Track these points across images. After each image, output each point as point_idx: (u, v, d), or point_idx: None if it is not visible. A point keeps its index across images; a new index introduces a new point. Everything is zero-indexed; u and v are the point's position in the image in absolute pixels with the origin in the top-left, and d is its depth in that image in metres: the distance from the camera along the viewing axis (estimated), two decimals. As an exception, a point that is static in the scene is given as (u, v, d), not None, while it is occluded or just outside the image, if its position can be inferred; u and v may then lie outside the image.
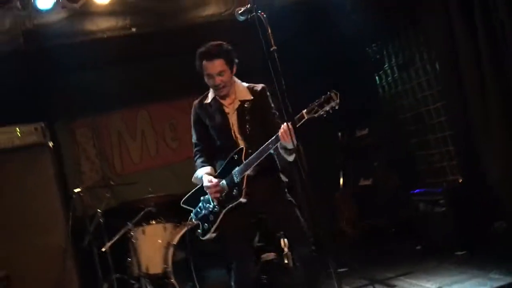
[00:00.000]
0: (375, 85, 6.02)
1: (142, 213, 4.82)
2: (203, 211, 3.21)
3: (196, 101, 3.34)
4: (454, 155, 4.94)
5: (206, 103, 3.25)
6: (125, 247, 4.93)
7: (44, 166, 4.24)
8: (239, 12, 2.72)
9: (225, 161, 3.16)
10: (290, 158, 3.11)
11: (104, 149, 6.15)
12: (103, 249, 4.70)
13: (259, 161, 2.99)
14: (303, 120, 2.82)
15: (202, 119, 3.25)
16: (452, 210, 4.23)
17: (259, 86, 3.24)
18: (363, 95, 6.06)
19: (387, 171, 5.65)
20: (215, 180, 3.09)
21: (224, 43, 3.12)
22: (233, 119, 3.19)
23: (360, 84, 6.10)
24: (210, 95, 3.26)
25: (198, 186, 3.28)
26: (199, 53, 3.13)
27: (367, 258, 4.96)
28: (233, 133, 3.18)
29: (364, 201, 5.89)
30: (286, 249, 4.74)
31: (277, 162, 3.27)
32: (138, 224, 4.83)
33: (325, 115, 2.80)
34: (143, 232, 4.77)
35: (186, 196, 3.38)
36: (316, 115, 2.80)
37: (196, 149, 3.34)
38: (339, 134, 6.34)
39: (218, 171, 3.21)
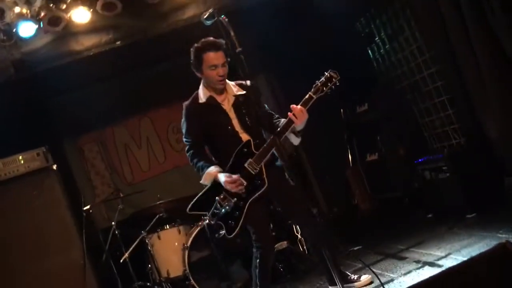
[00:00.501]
0: (369, 59, 5.98)
1: (154, 220, 4.93)
2: (223, 210, 3.16)
3: (187, 102, 3.36)
4: (455, 119, 4.90)
5: (201, 103, 3.28)
6: (144, 255, 5.06)
7: (51, 189, 4.36)
8: (204, 17, 2.77)
9: (233, 158, 3.19)
10: (297, 141, 3.25)
11: (113, 161, 6.28)
12: (122, 260, 4.83)
13: (274, 148, 3.06)
14: (313, 100, 3.12)
15: (197, 119, 3.27)
16: (457, 174, 4.20)
17: (248, 82, 3.30)
18: (358, 70, 6.03)
19: (392, 143, 5.62)
20: (235, 176, 3.11)
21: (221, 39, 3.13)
22: (232, 115, 3.25)
23: (354, 60, 6.06)
24: (203, 94, 3.29)
25: (204, 190, 3.26)
26: (201, 46, 3.15)
27: (380, 231, 4.99)
28: (234, 128, 3.24)
29: (374, 175, 5.90)
30: (299, 236, 4.82)
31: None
32: (153, 230, 4.95)
33: (329, 92, 3.14)
34: (159, 237, 4.89)
35: (192, 202, 3.30)
36: (322, 93, 3.12)
37: (191, 150, 3.32)
38: (341, 112, 6.34)
39: (228, 166, 3.20)
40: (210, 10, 2.73)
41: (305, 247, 4.70)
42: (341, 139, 6.33)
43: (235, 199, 3.15)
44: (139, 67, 5.89)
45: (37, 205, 4.26)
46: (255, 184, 3.14)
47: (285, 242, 4.58)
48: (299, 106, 3.09)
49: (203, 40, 3.17)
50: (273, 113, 3.41)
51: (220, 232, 3.27)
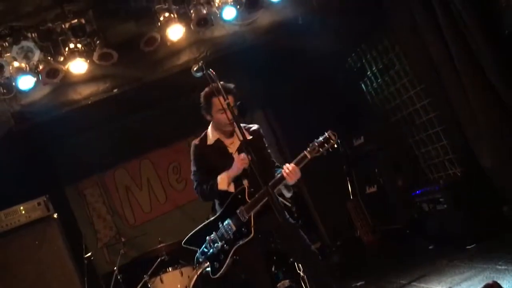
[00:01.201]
0: (363, 93, 6.09)
1: (155, 264, 4.93)
2: (211, 250, 3.28)
3: (196, 141, 3.44)
4: (450, 149, 4.96)
5: (209, 145, 3.37)
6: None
7: (53, 237, 4.39)
8: (194, 69, 2.87)
9: (228, 201, 3.26)
10: (289, 194, 3.35)
11: (114, 204, 6.34)
12: (125, 306, 4.82)
13: (263, 201, 3.11)
14: (307, 160, 3.10)
15: (205, 159, 3.36)
16: (453, 205, 4.24)
17: (254, 126, 3.41)
18: (353, 104, 6.15)
19: (390, 175, 5.67)
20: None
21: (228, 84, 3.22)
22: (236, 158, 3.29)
23: (348, 94, 6.20)
24: (211, 136, 3.38)
25: (201, 226, 3.38)
26: (210, 90, 3.18)
27: (383, 264, 4.99)
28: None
29: (374, 207, 5.92)
30: (301, 273, 4.80)
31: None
32: (155, 274, 4.94)
33: (325, 153, 3.10)
34: (161, 281, 4.87)
35: (188, 236, 3.44)
36: (318, 154, 3.10)
37: (198, 184, 3.37)
38: (339, 145, 6.39)
39: (221, 210, 3.29)
40: (199, 64, 2.85)
41: (308, 286, 4.68)
42: (341, 172, 6.37)
43: (223, 242, 3.22)
44: (137, 111, 6.01)
45: (39, 255, 4.29)
46: (242, 232, 3.20)
47: (287, 281, 4.57)
48: (292, 165, 3.10)
49: (212, 85, 3.19)
50: (274, 161, 3.46)
51: (207, 270, 3.35)
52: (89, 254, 4.39)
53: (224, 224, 3.26)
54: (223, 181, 3.25)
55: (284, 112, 6.65)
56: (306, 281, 4.74)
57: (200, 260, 3.40)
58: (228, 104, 3.00)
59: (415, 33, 4.58)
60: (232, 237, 3.22)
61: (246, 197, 3.22)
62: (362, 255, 5.84)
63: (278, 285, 4.51)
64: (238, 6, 4.51)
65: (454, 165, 4.98)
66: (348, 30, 5.30)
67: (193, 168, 3.44)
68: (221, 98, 3.08)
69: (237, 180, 3.29)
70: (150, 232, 5.66)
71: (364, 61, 5.83)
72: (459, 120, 4.56)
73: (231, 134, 3.35)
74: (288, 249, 3.57)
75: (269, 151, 3.48)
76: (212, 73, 2.83)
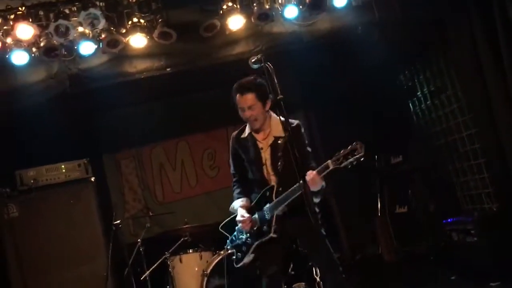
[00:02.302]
0: (408, 112, 6.03)
1: (178, 242, 5.04)
2: (237, 241, 3.38)
3: (234, 134, 3.51)
4: (490, 183, 4.86)
5: (243, 137, 3.41)
6: (164, 276, 5.15)
7: (88, 199, 4.55)
8: (252, 61, 2.92)
9: (258, 196, 3.30)
10: (317, 199, 3.24)
11: (147, 179, 6.48)
12: (142, 278, 4.94)
13: (287, 202, 3.11)
14: (329, 169, 2.96)
15: (239, 152, 3.42)
16: (485, 239, 4.16)
17: (294, 122, 3.30)
18: (397, 121, 6.10)
19: (424, 198, 5.61)
20: (247, 215, 3.24)
21: (258, 77, 3.20)
22: (266, 155, 3.31)
23: (394, 110, 6.15)
24: (247, 129, 3.42)
25: (235, 214, 3.44)
26: (233, 88, 3.30)
27: (400, 286, 4.93)
28: (265, 169, 3.30)
29: (401, 228, 5.86)
30: (318, 279, 4.81)
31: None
32: (176, 253, 5.05)
33: (349, 166, 2.88)
34: (180, 260, 4.98)
35: (225, 221, 3.54)
36: (341, 166, 2.90)
37: (234, 179, 3.52)
38: (376, 159, 6.36)
39: (253, 203, 3.35)
40: (258, 56, 2.89)
41: (322, 292, 4.68)
42: (373, 187, 6.33)
43: (247, 235, 3.29)
44: (184, 93, 6.13)
45: (72, 214, 4.46)
46: (263, 230, 3.23)
47: (303, 283, 4.59)
48: (314, 173, 3.01)
49: (238, 81, 3.27)
50: (311, 161, 3.33)
51: (233, 258, 3.42)
52: (118, 222, 4.51)
53: (252, 217, 3.30)
54: (232, 210, 3.41)
55: (325, 117, 6.63)
56: (321, 286, 4.77)
57: (228, 247, 3.48)
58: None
59: (474, 60, 4.51)
60: (255, 232, 3.26)
61: (273, 196, 3.22)
62: (380, 274, 5.80)
63: (293, 286, 4.53)
64: (300, 6, 4.53)
65: (491, 199, 4.88)
66: (405, 46, 5.25)
67: (230, 160, 3.53)
68: (240, 97, 3.18)
69: (265, 180, 3.29)
70: (176, 212, 5.76)
71: (416, 80, 5.77)
72: (504, 154, 4.47)
73: (259, 131, 3.33)
74: (312, 256, 3.57)
75: (308, 149, 3.37)
76: (270, 67, 2.84)
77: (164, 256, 5.03)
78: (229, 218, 3.51)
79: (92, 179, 4.58)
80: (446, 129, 5.38)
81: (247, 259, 3.31)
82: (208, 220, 5.62)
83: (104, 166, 6.27)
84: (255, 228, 3.25)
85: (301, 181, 2.81)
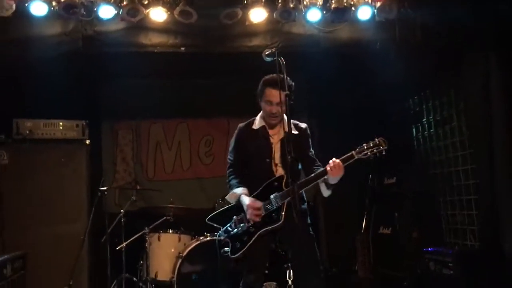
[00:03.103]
0: (411, 136, 6.03)
1: (160, 220, 5.05)
2: (235, 230, 3.32)
3: (242, 124, 3.54)
4: (476, 221, 4.87)
5: (253, 129, 3.45)
6: (140, 251, 5.17)
7: (79, 161, 4.56)
8: (266, 54, 2.93)
9: (263, 187, 3.31)
10: (327, 193, 3.32)
11: (141, 153, 6.48)
12: (118, 248, 4.95)
13: (302, 189, 3.17)
14: (353, 159, 3.15)
15: (244, 144, 3.45)
16: (460, 274, 4.16)
17: (303, 125, 3.48)
18: (397, 143, 6.06)
19: (409, 224, 5.60)
20: (259, 203, 3.24)
21: (289, 78, 3.22)
22: (276, 147, 3.38)
23: (396, 132, 6.12)
24: (258, 122, 3.46)
25: (230, 206, 3.43)
26: (267, 79, 3.33)
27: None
28: (273, 161, 3.36)
29: (381, 248, 5.86)
30: (290, 282, 4.82)
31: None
32: (156, 230, 5.07)
33: (372, 158, 3.16)
34: (159, 238, 5.00)
35: (214, 213, 3.55)
36: (365, 157, 3.15)
37: (231, 169, 3.52)
38: (369, 177, 6.36)
39: (255, 193, 3.33)
40: (273, 49, 2.90)
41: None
42: (361, 203, 6.32)
43: (249, 224, 3.26)
44: (193, 76, 6.13)
45: (61, 172, 4.46)
46: (272, 217, 3.23)
47: (275, 283, 4.60)
48: (338, 160, 3.14)
49: (273, 75, 3.26)
50: (316, 159, 3.47)
51: (225, 249, 3.39)
52: (105, 188, 4.52)
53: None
54: (234, 196, 3.36)
55: (327, 127, 6.62)
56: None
57: (222, 238, 3.43)
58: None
59: (484, 99, 4.51)
60: (261, 221, 3.24)
61: (283, 185, 3.24)
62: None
63: (264, 284, 4.54)
64: (324, 11, 4.53)
65: (474, 237, 4.89)
66: (419, 71, 5.25)
67: (230, 147, 3.55)
68: (274, 91, 3.19)
69: (271, 172, 3.33)
70: (164, 191, 5.76)
71: (424, 107, 5.77)
72: (495, 195, 4.48)
73: (274, 126, 3.41)
74: (296, 257, 3.45)
75: (312, 151, 3.50)
76: (283, 62, 2.87)
77: (143, 231, 5.06)
78: (220, 210, 3.53)
79: (87, 141, 4.59)
80: (445, 160, 5.39)
81: (247, 248, 3.26)
82: (194, 205, 5.64)
83: (102, 132, 6.26)
84: (261, 217, 3.24)
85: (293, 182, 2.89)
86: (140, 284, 5.05)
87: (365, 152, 3.14)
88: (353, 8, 4.54)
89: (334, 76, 5.67)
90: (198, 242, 4.83)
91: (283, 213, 3.20)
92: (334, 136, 6.39)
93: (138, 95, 6.19)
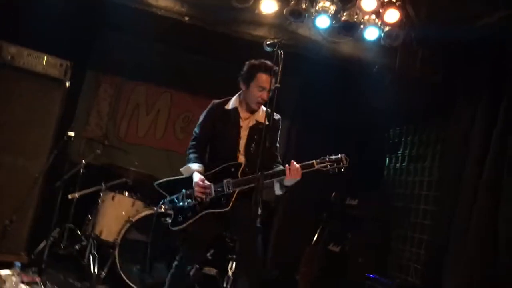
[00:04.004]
0: (383, 165, 6.11)
1: (118, 180, 4.99)
2: (181, 203, 3.28)
3: (216, 101, 3.50)
4: (422, 261, 4.96)
5: (226, 109, 3.41)
6: (91, 205, 5.10)
7: (54, 100, 4.44)
8: (267, 43, 2.92)
9: (219, 168, 3.29)
10: (279, 192, 3.32)
11: (117, 111, 6.39)
12: (70, 196, 4.87)
13: (251, 185, 3.11)
14: (312, 168, 3.17)
15: (214, 121, 3.40)
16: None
17: (276, 116, 3.39)
18: (369, 168, 6.15)
19: (359, 248, 5.67)
20: (208, 183, 3.21)
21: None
22: (243, 134, 3.35)
23: (371, 157, 6.20)
24: (232, 103, 3.42)
25: (183, 177, 3.37)
26: (259, 64, 3.29)
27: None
28: (237, 147, 3.33)
29: (327, 264, 5.92)
30: (230, 273, 4.82)
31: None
32: (112, 189, 5.00)
33: (330, 172, 3.18)
34: (113, 198, 4.93)
35: (165, 180, 3.46)
36: (324, 169, 3.17)
37: (194, 143, 3.48)
38: (333, 194, 6.41)
39: (210, 172, 3.31)
40: (275, 40, 2.89)
41: (228, 286, 4.69)
42: (319, 218, 6.37)
43: (197, 202, 3.23)
44: (190, 50, 6.08)
45: (33, 107, 4.34)
46: (220, 202, 3.21)
47: (216, 270, 4.60)
48: (297, 165, 3.15)
49: (262, 60, 3.28)
50: (278, 156, 3.48)
51: (166, 220, 3.35)
52: (72, 134, 4.43)
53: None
54: (188, 170, 3.32)
55: (306, 135, 6.64)
56: (230, 283, 4.78)
57: (165, 206, 3.42)
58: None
59: (463, 146, 4.56)
60: (208, 202, 3.22)
61: (239, 173, 3.23)
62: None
63: (205, 268, 4.53)
64: (333, 21, 4.55)
65: (417, 275, 4.98)
66: (409, 103, 5.32)
67: (198, 121, 3.51)
68: (267, 77, 3.20)
69: (233, 157, 3.31)
70: (130, 154, 5.69)
71: (403, 139, 5.85)
72: (447, 241, 4.55)
73: (252, 111, 3.38)
74: (240, 247, 3.40)
75: (277, 145, 3.49)
76: (282, 55, 2.86)
77: (99, 187, 4.98)
78: (171, 179, 3.43)
79: (67, 83, 4.47)
80: (409, 195, 5.47)
81: (188, 224, 3.24)
82: (156, 175, 5.56)
83: (84, 80, 6.15)
84: (208, 198, 3.21)
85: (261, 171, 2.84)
86: (82, 238, 4.98)
87: (326, 164, 3.17)
88: (361, 26, 4.58)
89: (325, 87, 5.68)
90: (151, 211, 4.78)
91: (232, 200, 3.18)
92: (311, 144, 6.41)
93: (131, 53, 6.10)
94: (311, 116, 6.39)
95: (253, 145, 3.31)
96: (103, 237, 4.79)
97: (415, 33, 4.56)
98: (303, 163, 3.19)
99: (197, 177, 3.23)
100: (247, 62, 3.39)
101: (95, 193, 5.01)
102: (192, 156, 3.40)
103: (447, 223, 4.59)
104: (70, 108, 5.22)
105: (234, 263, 4.72)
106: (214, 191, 3.22)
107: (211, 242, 3.63)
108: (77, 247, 4.91)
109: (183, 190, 3.29)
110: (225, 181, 3.21)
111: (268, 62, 3.23)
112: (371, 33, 4.58)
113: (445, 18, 4.48)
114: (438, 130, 5.25)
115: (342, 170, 3.18)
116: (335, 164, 3.17)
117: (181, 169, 3.41)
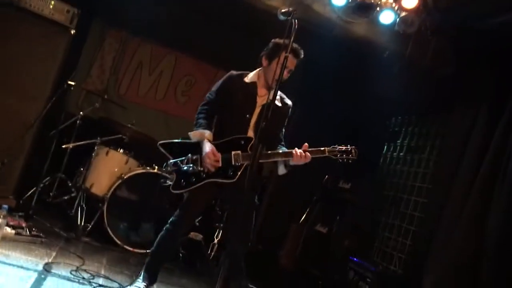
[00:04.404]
0: (381, 152, 6.09)
1: (115, 136, 4.95)
2: (185, 168, 3.20)
3: (234, 72, 3.41)
4: (407, 251, 4.99)
5: (245, 81, 3.33)
6: (84, 158, 5.07)
7: (57, 47, 4.34)
8: (281, 11, 2.83)
9: (228, 139, 3.21)
10: (283, 171, 3.29)
11: (120, 67, 6.30)
12: (64, 146, 4.84)
13: (263, 160, 3.09)
14: (322, 155, 3.19)
15: (232, 91, 3.31)
16: (374, 292, 4.28)
17: (289, 101, 3.45)
18: (367, 154, 6.12)
19: (345, 230, 5.69)
20: (218, 155, 3.15)
21: None
22: (256, 111, 3.28)
23: (369, 143, 6.17)
24: (252, 76, 3.35)
25: (192, 142, 3.27)
26: (289, 45, 3.02)
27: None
28: (248, 121, 3.26)
29: (311, 244, 5.94)
30: (216, 241, 4.85)
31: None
32: (107, 144, 4.96)
33: (339, 161, 3.22)
34: (107, 153, 4.89)
35: (170, 141, 3.35)
36: (333, 157, 3.20)
37: (206, 107, 3.37)
38: (326, 177, 6.40)
39: (219, 142, 3.23)
40: (290, 9, 2.80)
41: (212, 253, 4.73)
42: (309, 198, 6.37)
43: (202, 169, 3.18)
44: (201, 13, 5.95)
45: (36, 50, 4.24)
46: (227, 173, 3.17)
47: (202, 236, 4.61)
48: (309, 154, 3.12)
49: (292, 42, 3.09)
50: (282, 140, 3.41)
51: (167, 182, 3.32)
52: (73, 83, 4.35)
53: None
54: (199, 135, 3.23)
55: (307, 115, 6.60)
56: (214, 249, 4.82)
57: (169, 169, 3.34)
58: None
59: (463, 143, 4.53)
60: (214, 171, 3.17)
61: (248, 147, 3.17)
62: (266, 272, 5.88)
63: (191, 233, 4.54)
64: (350, 0, 4.46)
65: (400, 264, 5.02)
66: (414, 94, 5.27)
67: (213, 88, 3.41)
68: (294, 60, 3.22)
69: (244, 131, 3.26)
70: (129, 111, 5.63)
71: (403, 129, 5.82)
72: (434, 235, 4.57)
73: (268, 89, 3.29)
74: (234, 218, 3.41)
75: (283, 131, 3.44)
76: (296, 25, 2.73)
77: (95, 140, 4.94)
78: (177, 141, 3.34)
79: (72, 31, 4.37)
80: (401, 185, 5.47)
81: (190, 190, 3.20)
82: (153, 136, 5.51)
83: (90, 30, 6.03)
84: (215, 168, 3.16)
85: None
86: (72, 189, 4.97)
87: (336, 153, 3.20)
88: (377, 9, 4.49)
89: (331, 67, 5.61)
90: (144, 171, 4.76)
91: (239, 173, 3.14)
92: (311, 125, 6.38)
93: (141, 10, 5.94)
94: (314, 96, 6.33)
95: (264, 123, 3.21)
96: (93, 190, 4.78)
97: (430, 22, 4.47)
98: (315, 149, 3.17)
99: (208, 147, 3.16)
100: (274, 40, 3.31)
101: (89, 146, 4.98)
102: (202, 121, 3.30)
103: (436, 217, 4.60)
104: (73, 57, 5.11)
105: (220, 231, 4.80)
106: (223, 162, 3.17)
107: (206, 208, 3.61)
108: (66, 197, 4.92)
109: (189, 154, 3.21)
110: (233, 153, 3.16)
111: (297, 45, 3.24)
112: (386, 17, 4.49)
113: (463, 11, 4.40)
114: (439, 125, 5.22)
115: (350, 161, 3.22)
116: (344, 155, 3.20)
117: (189, 133, 3.30)
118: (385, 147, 6.04)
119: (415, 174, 5.33)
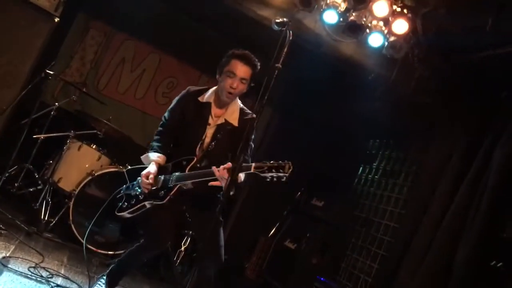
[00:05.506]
0: (356, 172, 6.09)
1: (89, 131, 4.81)
2: (131, 191, 3.19)
3: (192, 89, 3.27)
4: (373, 274, 4.97)
5: (199, 101, 3.18)
6: (55, 150, 4.91)
7: (38, 33, 4.20)
8: (276, 21, 2.77)
9: (177, 161, 3.12)
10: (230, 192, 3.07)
11: (102, 61, 6.16)
12: (35, 137, 4.67)
13: (193, 180, 2.95)
14: (248, 172, 2.73)
15: (184, 110, 3.18)
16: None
17: (251, 115, 3.20)
18: (340, 173, 6.14)
19: (314, 249, 5.65)
20: (151, 179, 3.04)
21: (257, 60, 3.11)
22: (209, 132, 3.15)
23: (345, 162, 6.19)
24: (207, 96, 3.19)
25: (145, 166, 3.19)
26: (236, 52, 3.09)
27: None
28: (198, 142, 3.13)
29: (278, 259, 5.89)
30: (182, 248, 4.75)
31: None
32: (80, 138, 4.82)
33: (268, 180, 2.67)
34: (79, 148, 4.75)
35: (133, 167, 3.34)
36: (262, 175, 2.68)
37: (161, 129, 3.27)
38: (299, 193, 6.37)
39: (168, 164, 3.15)
40: (285, 19, 2.75)
41: (178, 260, 4.63)
42: (280, 212, 6.33)
43: (141, 191, 3.12)
44: (190, 15, 5.88)
45: (17, 36, 4.10)
46: (159, 193, 3.07)
47: (169, 242, 4.49)
48: (223, 171, 2.79)
49: (242, 49, 3.10)
50: (247, 151, 3.14)
51: (119, 204, 3.23)
52: (51, 72, 4.21)
53: (158, 177, 3.10)
54: (146, 160, 3.17)
55: (286, 126, 6.60)
56: (180, 256, 4.71)
57: (121, 191, 3.28)
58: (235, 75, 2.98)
59: (438, 172, 4.57)
60: (152, 192, 3.07)
61: (187, 168, 3.05)
62: (232, 283, 5.81)
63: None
64: (341, 19, 4.46)
65: (366, 287, 5.00)
66: (394, 118, 5.29)
67: (170, 107, 3.27)
68: (241, 65, 3.01)
69: (192, 151, 3.14)
70: (106, 106, 5.49)
71: (380, 152, 5.84)
72: (402, 261, 4.57)
73: (223, 106, 3.16)
74: (200, 236, 3.38)
75: (251, 143, 3.15)
76: (290, 36, 2.63)
77: (68, 133, 4.79)
78: (138, 166, 3.25)
79: (56, 20, 4.24)
80: (374, 208, 5.47)
81: (128, 214, 3.13)
82: (129, 134, 5.38)
83: (74, 20, 5.88)
84: (153, 188, 3.06)
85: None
86: (39, 181, 4.80)
87: (264, 170, 2.66)
88: (367, 31, 4.50)
89: (315, 83, 5.62)
90: (116, 169, 4.63)
91: (170, 194, 3.00)
92: (289, 137, 6.37)
93: (130, 6, 5.84)
94: (295, 109, 6.33)
95: (213, 143, 3.11)
96: (61, 185, 4.62)
97: (418, 50, 4.51)
98: (238, 165, 2.58)
99: (146, 169, 3.08)
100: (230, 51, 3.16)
101: (61, 139, 4.83)
102: (155, 144, 3.20)
103: (405, 243, 4.60)
104: (54, 47, 4.99)
105: (188, 239, 4.70)
106: (162, 182, 3.07)
107: (174, 221, 3.45)
108: (31, 189, 4.74)
109: (138, 178, 3.15)
110: (174, 174, 3.05)
111: (247, 52, 3.07)
112: (375, 40, 4.50)
113: (449, 42, 4.45)
114: (416, 151, 5.25)
115: (283, 179, 2.63)
116: (273, 170, 2.62)
117: (141, 157, 3.24)
118: (361, 168, 6.05)
119: (388, 198, 5.34)
